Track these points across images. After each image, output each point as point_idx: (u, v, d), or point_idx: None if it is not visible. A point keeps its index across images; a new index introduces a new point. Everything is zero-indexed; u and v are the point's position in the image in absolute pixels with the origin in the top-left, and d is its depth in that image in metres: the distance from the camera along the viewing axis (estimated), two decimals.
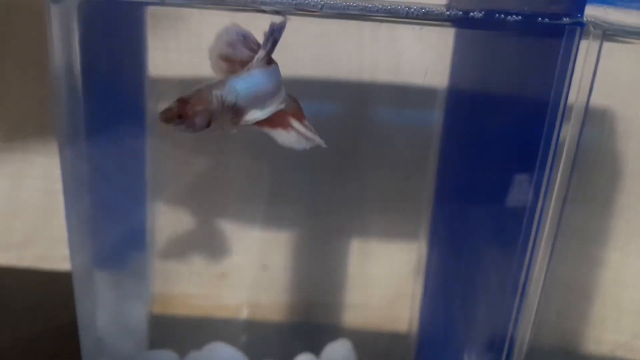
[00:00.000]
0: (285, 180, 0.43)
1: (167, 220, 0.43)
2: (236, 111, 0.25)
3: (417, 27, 0.30)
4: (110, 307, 0.39)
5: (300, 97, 0.41)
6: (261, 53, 0.26)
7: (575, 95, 0.26)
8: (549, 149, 0.26)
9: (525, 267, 0.28)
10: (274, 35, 0.26)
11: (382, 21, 0.27)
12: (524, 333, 0.30)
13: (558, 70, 0.24)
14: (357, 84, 0.41)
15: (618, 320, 0.41)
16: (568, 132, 0.27)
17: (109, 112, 0.36)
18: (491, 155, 0.33)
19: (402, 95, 0.41)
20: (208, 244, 0.44)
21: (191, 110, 0.24)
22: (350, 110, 0.41)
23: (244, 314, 0.45)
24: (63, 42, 0.31)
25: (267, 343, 0.45)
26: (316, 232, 0.44)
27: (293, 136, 0.27)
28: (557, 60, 0.24)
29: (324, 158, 0.42)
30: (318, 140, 0.27)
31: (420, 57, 0.39)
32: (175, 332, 0.45)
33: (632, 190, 0.38)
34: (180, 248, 0.44)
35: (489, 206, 0.33)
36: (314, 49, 0.39)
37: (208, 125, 0.25)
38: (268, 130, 0.27)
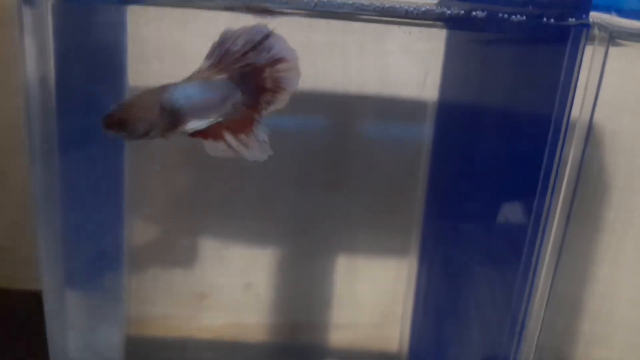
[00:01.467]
0: (270, 196, 0.42)
1: (145, 238, 0.42)
2: (175, 119, 0.25)
3: (408, 34, 0.29)
4: (82, 329, 0.38)
5: (285, 111, 0.40)
6: (204, 64, 0.26)
7: (580, 105, 0.25)
8: (552, 164, 0.25)
9: (528, 285, 0.27)
10: (222, 47, 0.26)
11: (377, 21, 0.26)
12: (527, 354, 0.29)
13: (562, 79, 0.24)
14: (344, 97, 0.40)
15: (611, 335, 0.41)
16: (572, 145, 0.26)
17: (84, 125, 0.35)
18: (486, 170, 0.32)
19: (390, 108, 0.40)
20: (188, 262, 0.43)
21: (132, 116, 0.25)
22: (336, 123, 0.41)
23: (227, 335, 0.44)
24: (36, 49, 0.30)
25: None
26: (302, 249, 0.43)
27: (221, 147, 0.27)
28: (561, 67, 0.24)
29: (310, 173, 0.42)
30: (247, 155, 0.28)
31: (408, 68, 0.38)
32: (153, 354, 0.43)
33: (621, 204, 0.38)
34: (159, 267, 0.43)
35: (483, 223, 0.32)
36: (300, 61, 0.38)
37: (147, 132, 0.25)
38: (199, 138, 0.27)
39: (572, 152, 0.27)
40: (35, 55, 0.30)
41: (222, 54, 0.26)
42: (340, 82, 0.39)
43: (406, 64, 0.38)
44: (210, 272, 0.43)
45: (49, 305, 0.35)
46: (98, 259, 0.39)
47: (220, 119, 0.27)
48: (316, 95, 0.40)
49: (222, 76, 0.26)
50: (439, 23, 0.28)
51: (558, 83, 0.24)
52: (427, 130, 0.40)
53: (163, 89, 0.25)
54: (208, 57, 0.26)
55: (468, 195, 0.35)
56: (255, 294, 0.43)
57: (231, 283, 0.43)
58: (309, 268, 0.44)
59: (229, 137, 0.27)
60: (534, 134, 0.26)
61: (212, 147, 0.27)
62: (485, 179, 0.33)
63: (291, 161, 0.41)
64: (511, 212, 0.29)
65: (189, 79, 0.26)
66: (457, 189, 0.37)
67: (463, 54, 0.35)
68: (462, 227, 0.35)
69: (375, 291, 0.44)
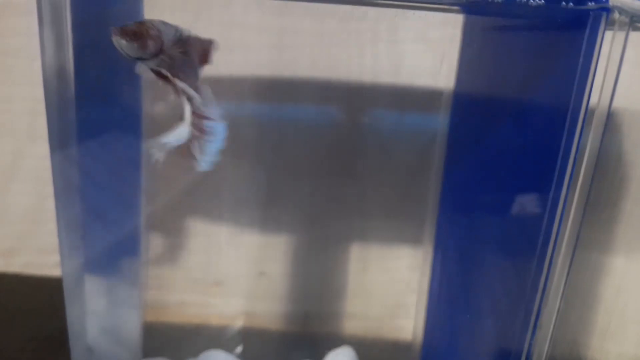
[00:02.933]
0: (284, 186, 0.42)
1: (161, 226, 0.42)
2: (185, 51, 0.26)
3: (424, 20, 0.29)
4: (101, 315, 0.38)
5: (299, 100, 0.40)
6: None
7: (598, 93, 0.24)
8: (569, 155, 0.25)
9: (543, 277, 0.27)
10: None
11: (393, 7, 0.26)
12: (542, 346, 0.29)
13: (580, 66, 0.23)
14: (357, 86, 0.40)
15: (625, 328, 0.40)
16: (590, 134, 0.25)
17: (102, 114, 0.35)
18: (503, 160, 0.32)
19: (405, 97, 0.40)
20: (204, 250, 0.43)
21: (147, 32, 0.25)
22: (350, 113, 0.41)
23: (241, 322, 0.44)
24: (55, 39, 0.30)
25: (264, 352, 0.44)
26: (316, 238, 0.43)
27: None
28: (580, 54, 0.23)
29: (325, 162, 0.41)
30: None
31: (423, 57, 0.38)
32: (170, 340, 0.44)
33: (638, 195, 0.38)
34: (175, 254, 0.43)
35: (499, 213, 0.32)
36: (313, 50, 0.38)
37: (156, 54, 0.26)
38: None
39: (589, 142, 0.26)
40: (53, 46, 0.30)
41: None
42: (355, 70, 0.39)
43: (422, 52, 0.37)
44: (225, 260, 0.43)
45: (68, 291, 0.35)
46: (116, 246, 0.40)
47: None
48: (330, 83, 0.39)
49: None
50: (455, 8, 0.28)
51: (576, 70, 0.24)
52: (442, 119, 0.39)
53: (167, 24, 0.26)
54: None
55: (484, 185, 0.34)
56: (269, 282, 0.44)
57: (245, 271, 0.44)
58: (323, 257, 0.44)
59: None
60: (551, 123, 0.26)
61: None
62: (501, 168, 0.32)
63: (305, 150, 0.41)
64: (527, 202, 0.29)
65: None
66: (472, 178, 0.36)
67: (480, 41, 0.35)
68: (477, 216, 0.35)
69: (389, 281, 0.44)
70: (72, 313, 0.35)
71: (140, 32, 0.25)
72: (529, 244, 0.28)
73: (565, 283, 0.28)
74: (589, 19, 0.23)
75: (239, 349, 0.44)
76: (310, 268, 0.44)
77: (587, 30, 0.23)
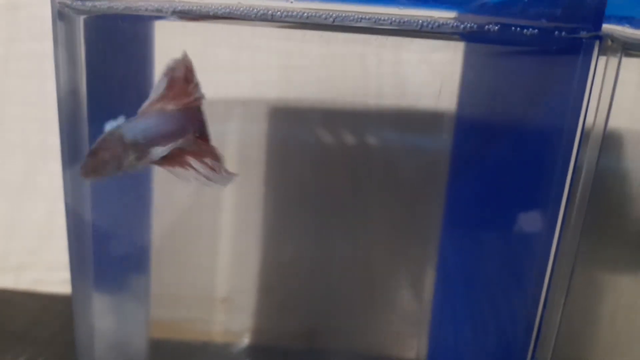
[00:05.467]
0: (290, 204, 0.43)
1: (169, 243, 0.42)
2: (140, 151, 0.28)
3: (426, 45, 0.30)
4: (109, 331, 0.38)
5: (303, 121, 0.41)
6: (153, 96, 0.28)
7: (593, 116, 0.25)
8: (566, 174, 0.25)
9: (542, 296, 0.27)
10: (168, 77, 0.28)
11: (394, 34, 0.27)
12: None
13: (575, 90, 0.24)
14: (361, 109, 0.40)
15: (629, 345, 0.40)
16: (587, 155, 0.26)
17: None
18: (504, 181, 0.32)
19: (408, 120, 0.40)
20: (210, 267, 0.43)
21: (101, 161, 0.27)
22: (354, 135, 0.41)
23: (247, 339, 0.45)
24: (68, 61, 0.31)
25: None
26: (321, 257, 0.44)
27: (191, 174, 0.29)
28: (574, 79, 0.24)
29: (329, 183, 0.42)
30: (215, 179, 0.30)
31: (426, 80, 0.38)
32: (176, 357, 0.44)
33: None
34: (183, 271, 0.43)
35: (500, 231, 0.32)
36: (318, 73, 0.39)
37: (120, 168, 0.28)
38: (167, 168, 0.29)
39: (587, 162, 0.27)
40: (67, 67, 0.31)
41: (168, 85, 0.28)
42: (359, 92, 0.40)
43: (425, 74, 0.38)
44: (232, 277, 0.43)
45: (77, 307, 0.36)
46: (125, 262, 0.40)
47: (182, 146, 0.29)
48: (335, 106, 0.40)
49: (173, 107, 0.28)
50: (454, 36, 0.29)
51: (571, 94, 0.24)
52: (445, 139, 0.40)
53: (122, 127, 0.28)
54: (155, 89, 0.28)
55: (485, 203, 0.35)
56: (275, 299, 0.44)
57: (252, 288, 0.44)
58: (328, 275, 0.44)
59: (194, 163, 0.29)
60: (549, 143, 0.27)
61: (181, 174, 0.29)
62: (502, 187, 0.33)
63: (311, 169, 0.41)
64: (527, 219, 0.29)
65: (144, 112, 0.28)
66: (474, 196, 0.37)
67: (480, 64, 0.35)
68: (479, 234, 0.35)
69: (393, 298, 0.44)
70: (80, 329, 0.36)
71: (96, 166, 0.27)
72: (529, 261, 0.28)
73: (566, 298, 0.28)
74: (582, 47, 0.24)
75: None
76: (316, 285, 0.44)
77: (580, 57, 0.24)
